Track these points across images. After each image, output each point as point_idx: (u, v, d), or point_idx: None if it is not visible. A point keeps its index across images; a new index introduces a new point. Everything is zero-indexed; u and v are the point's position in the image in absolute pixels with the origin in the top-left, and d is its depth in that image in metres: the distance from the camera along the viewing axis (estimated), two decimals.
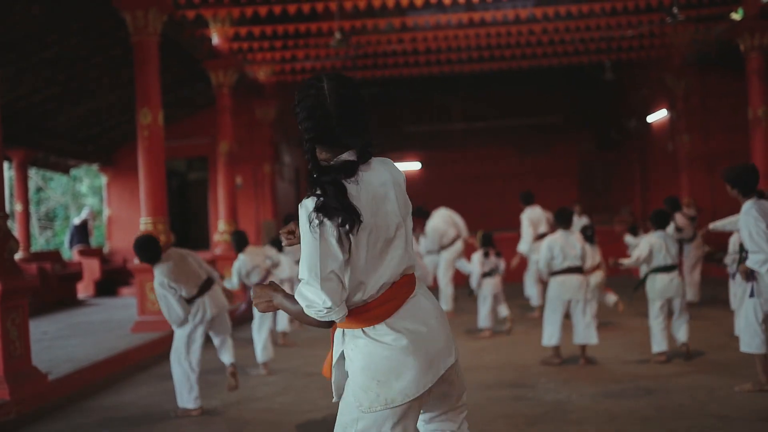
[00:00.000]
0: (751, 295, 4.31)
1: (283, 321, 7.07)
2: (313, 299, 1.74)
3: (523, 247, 8.37)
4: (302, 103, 1.81)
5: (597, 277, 7.03)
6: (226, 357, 4.81)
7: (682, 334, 5.58)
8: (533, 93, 16.47)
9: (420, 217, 8.44)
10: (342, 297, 1.75)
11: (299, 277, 1.77)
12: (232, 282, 6.10)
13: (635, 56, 12.30)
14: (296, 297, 1.78)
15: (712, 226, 5.34)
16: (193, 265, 4.66)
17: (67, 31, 8.58)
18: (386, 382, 1.77)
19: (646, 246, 5.62)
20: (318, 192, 1.74)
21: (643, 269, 6.25)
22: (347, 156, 1.81)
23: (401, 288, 1.85)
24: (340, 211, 1.71)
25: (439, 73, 13.06)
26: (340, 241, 1.74)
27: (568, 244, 5.67)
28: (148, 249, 4.50)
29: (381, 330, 1.80)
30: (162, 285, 4.47)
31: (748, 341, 4.38)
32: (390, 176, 1.86)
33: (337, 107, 1.78)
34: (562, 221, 5.75)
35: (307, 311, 1.77)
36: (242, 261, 6.03)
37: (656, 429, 3.83)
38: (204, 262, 4.84)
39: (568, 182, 16.85)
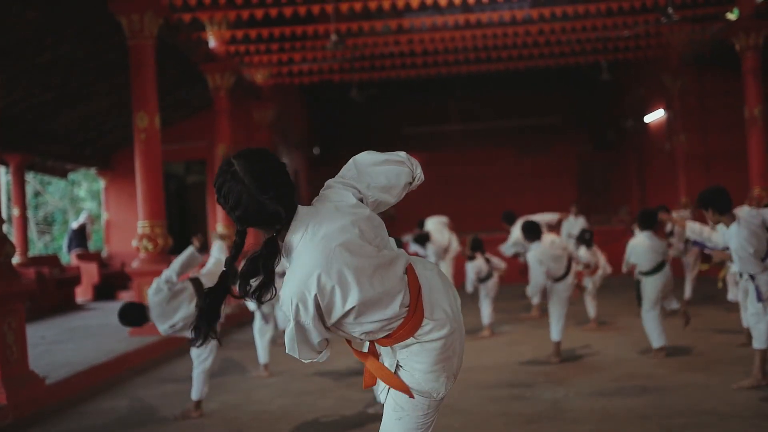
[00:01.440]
0: (759, 299, 4.37)
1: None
2: (297, 355, 1.83)
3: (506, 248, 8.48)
4: (222, 190, 1.76)
5: (598, 276, 7.09)
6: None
7: (674, 303, 5.75)
8: (530, 94, 16.50)
9: (421, 240, 8.45)
10: (323, 348, 1.82)
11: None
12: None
13: (632, 56, 12.33)
14: (287, 345, 1.82)
15: (688, 232, 5.32)
16: (174, 290, 4.47)
17: (62, 35, 8.58)
18: (450, 362, 1.88)
19: (629, 249, 5.72)
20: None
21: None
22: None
23: (412, 281, 1.86)
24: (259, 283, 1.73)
25: (437, 75, 13.08)
26: (317, 320, 1.74)
27: (553, 255, 5.74)
28: (127, 317, 4.41)
29: (427, 327, 1.84)
30: (166, 331, 4.40)
31: (762, 338, 4.43)
32: (344, 213, 1.80)
33: (256, 184, 1.72)
34: (530, 236, 5.80)
35: (287, 352, 1.85)
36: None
37: (653, 427, 3.84)
38: (177, 265, 4.59)
39: (566, 182, 16.87)
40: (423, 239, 8.47)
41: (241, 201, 1.74)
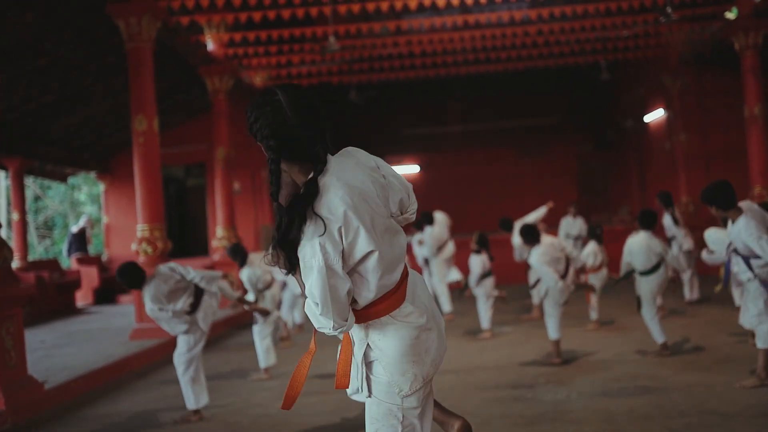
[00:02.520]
0: None
1: (299, 313, 7.38)
2: (323, 323, 1.75)
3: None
4: (260, 120, 1.75)
5: (601, 275, 7.05)
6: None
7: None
8: (530, 94, 16.48)
9: (424, 223, 8.50)
10: (348, 312, 1.76)
11: (306, 294, 1.76)
12: (250, 298, 5.92)
13: (631, 56, 12.32)
14: (306, 312, 1.79)
15: (705, 257, 5.28)
16: (179, 280, 4.56)
17: (60, 38, 8.57)
18: (419, 360, 1.82)
19: (626, 251, 5.71)
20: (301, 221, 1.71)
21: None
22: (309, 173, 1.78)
23: (401, 280, 1.87)
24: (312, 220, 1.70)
25: (435, 76, 13.07)
26: (343, 260, 1.72)
27: (552, 256, 5.72)
28: (128, 275, 4.49)
29: (406, 309, 1.83)
30: (152, 311, 4.46)
31: (767, 338, 4.40)
32: (365, 169, 1.82)
33: (298, 118, 1.73)
34: (530, 239, 5.80)
35: (317, 328, 1.79)
36: (251, 273, 5.93)
37: (655, 427, 3.81)
38: (193, 273, 4.65)
39: (567, 183, 16.85)
40: (427, 219, 8.48)
41: (278, 131, 1.73)
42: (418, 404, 1.86)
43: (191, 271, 4.65)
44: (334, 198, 1.72)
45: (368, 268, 1.76)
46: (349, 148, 1.89)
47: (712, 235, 5.31)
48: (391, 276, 1.80)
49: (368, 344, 1.85)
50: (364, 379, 1.87)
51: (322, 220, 1.70)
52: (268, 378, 5.78)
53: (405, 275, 1.87)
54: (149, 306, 4.45)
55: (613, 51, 12.05)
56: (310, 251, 1.70)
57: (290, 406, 1.90)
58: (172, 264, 4.65)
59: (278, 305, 6.45)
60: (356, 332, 1.88)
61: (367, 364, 1.86)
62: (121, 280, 4.53)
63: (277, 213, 1.75)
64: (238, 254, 6.05)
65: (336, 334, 1.78)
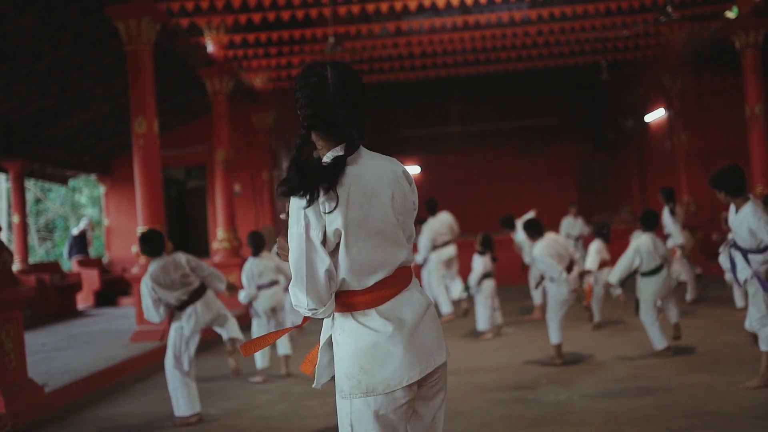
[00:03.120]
0: (765, 290, 4.28)
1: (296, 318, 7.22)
2: (300, 300, 1.75)
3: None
4: (304, 89, 1.81)
5: (606, 274, 7.01)
6: (226, 332, 4.77)
7: (673, 315, 5.77)
8: (530, 95, 16.48)
9: (428, 211, 8.46)
10: (329, 296, 1.75)
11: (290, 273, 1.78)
12: (248, 292, 5.80)
13: (631, 56, 12.31)
14: (290, 291, 1.79)
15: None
16: (187, 275, 4.60)
17: (59, 41, 8.57)
18: (370, 370, 1.75)
19: (633, 252, 5.68)
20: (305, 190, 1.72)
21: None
22: (337, 151, 1.80)
23: (395, 279, 1.83)
24: (302, 185, 1.69)
25: (435, 77, 13.07)
26: (324, 239, 1.73)
27: (556, 251, 5.69)
28: (149, 242, 4.61)
29: (371, 315, 1.78)
30: (145, 283, 4.50)
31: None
32: (390, 173, 1.84)
33: (339, 96, 1.78)
34: (533, 233, 5.80)
35: (294, 305, 1.79)
36: (252, 264, 5.82)
37: (658, 428, 3.79)
38: (206, 268, 4.73)
39: (567, 183, 16.85)
40: (431, 206, 8.39)
41: (315, 102, 1.78)
42: (370, 414, 1.76)
43: (205, 268, 4.70)
44: (344, 182, 1.74)
45: (338, 259, 1.76)
46: (393, 159, 1.92)
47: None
48: (362, 279, 1.77)
49: (330, 335, 1.86)
50: (327, 364, 1.90)
51: (319, 192, 1.70)
52: (264, 380, 5.76)
53: (392, 286, 1.80)
54: (145, 278, 4.50)
55: (613, 51, 12.04)
56: (296, 218, 1.73)
57: (247, 354, 2.01)
58: (190, 257, 4.68)
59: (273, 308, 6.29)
60: (325, 322, 1.90)
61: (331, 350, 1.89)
62: (141, 244, 4.62)
63: (291, 165, 1.74)
64: (254, 242, 5.96)
65: (311, 315, 1.76)
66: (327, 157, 1.80)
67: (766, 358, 4.40)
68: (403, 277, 1.85)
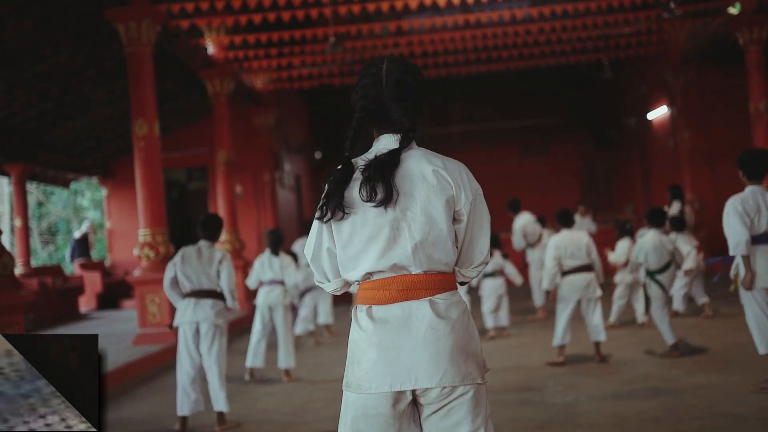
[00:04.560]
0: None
1: (325, 313, 7.31)
2: (313, 271, 1.91)
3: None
4: (361, 81, 1.87)
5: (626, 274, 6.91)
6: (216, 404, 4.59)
7: (699, 294, 5.99)
8: (531, 94, 16.42)
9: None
10: (332, 272, 1.85)
11: None
12: (250, 280, 6.04)
13: (633, 54, 12.24)
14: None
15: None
16: (206, 271, 4.55)
17: (59, 44, 8.54)
18: (351, 363, 1.80)
19: (637, 248, 5.64)
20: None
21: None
22: (391, 143, 1.82)
23: (395, 284, 1.75)
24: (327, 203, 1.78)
25: (437, 76, 13.01)
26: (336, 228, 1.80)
27: (573, 242, 5.63)
28: (208, 225, 4.65)
29: (362, 311, 1.81)
30: (171, 263, 4.61)
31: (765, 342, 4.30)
32: (428, 172, 1.81)
33: (390, 88, 1.82)
34: (564, 221, 5.74)
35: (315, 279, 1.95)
36: (264, 258, 5.97)
37: (667, 430, 3.74)
38: (226, 274, 4.59)
39: (570, 182, 16.78)
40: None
41: (368, 94, 1.83)
42: (348, 409, 1.76)
43: (225, 276, 4.57)
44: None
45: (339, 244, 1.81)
46: (439, 156, 1.89)
47: None
48: (348, 269, 1.80)
49: None
50: None
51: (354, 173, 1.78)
52: (250, 379, 5.79)
53: (390, 290, 1.75)
54: (176, 258, 4.58)
55: (615, 48, 11.97)
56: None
57: None
58: (221, 256, 4.61)
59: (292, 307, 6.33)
60: None
61: None
62: (201, 226, 4.65)
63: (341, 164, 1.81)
64: (273, 240, 5.99)
65: (324, 288, 1.90)
66: (377, 150, 1.82)
67: None
68: (407, 284, 1.75)
